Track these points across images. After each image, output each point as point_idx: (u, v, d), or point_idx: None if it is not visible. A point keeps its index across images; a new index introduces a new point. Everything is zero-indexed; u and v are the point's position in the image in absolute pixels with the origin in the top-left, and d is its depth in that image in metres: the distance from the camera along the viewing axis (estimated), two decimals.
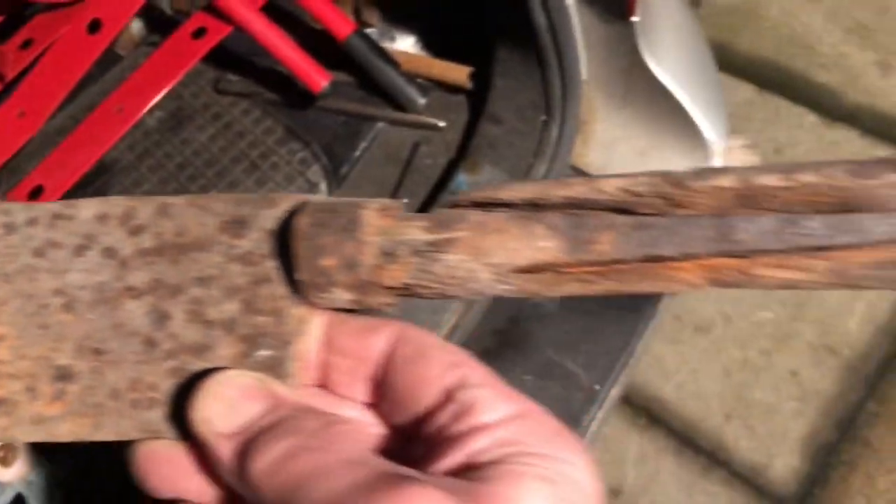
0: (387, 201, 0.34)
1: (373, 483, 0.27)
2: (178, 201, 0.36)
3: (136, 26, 1.52)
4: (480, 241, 0.31)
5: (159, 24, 1.51)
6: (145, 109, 1.22)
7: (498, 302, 1.15)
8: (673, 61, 1.14)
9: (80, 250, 0.36)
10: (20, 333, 0.35)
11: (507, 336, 1.13)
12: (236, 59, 1.41)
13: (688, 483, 1.65)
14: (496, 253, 0.31)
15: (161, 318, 0.35)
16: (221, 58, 1.40)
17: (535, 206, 0.31)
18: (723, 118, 1.20)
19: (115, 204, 0.36)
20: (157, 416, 0.34)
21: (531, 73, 1.16)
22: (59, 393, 0.35)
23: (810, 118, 1.97)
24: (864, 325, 1.71)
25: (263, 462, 0.29)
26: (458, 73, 1.28)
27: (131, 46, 1.51)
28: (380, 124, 1.32)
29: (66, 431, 0.35)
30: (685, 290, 0.30)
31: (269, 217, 0.35)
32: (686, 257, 0.30)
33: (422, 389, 0.32)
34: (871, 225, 0.28)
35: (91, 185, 1.33)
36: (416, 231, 0.32)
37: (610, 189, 0.30)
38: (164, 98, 1.33)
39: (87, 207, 0.36)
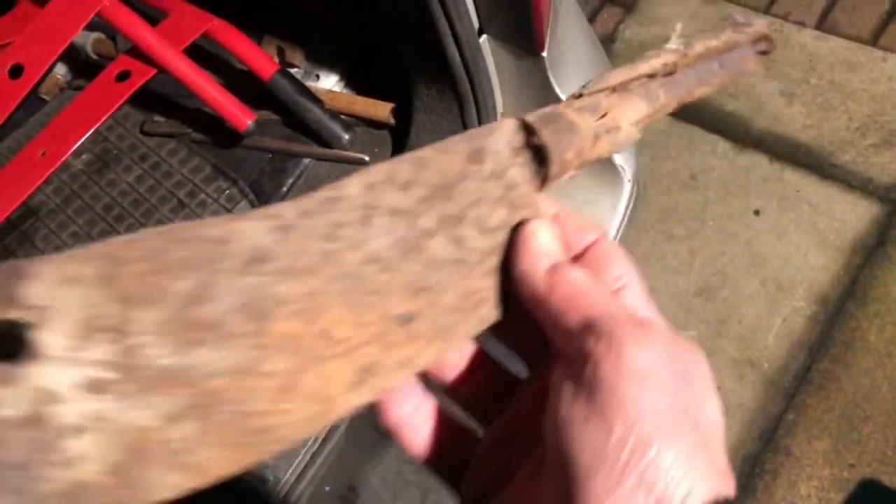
0: (569, 101, 0.45)
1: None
2: (425, 153, 0.41)
3: (61, 70, 1.53)
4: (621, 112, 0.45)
5: (83, 69, 1.52)
6: (69, 152, 1.24)
7: None
8: None
9: (366, 220, 0.39)
10: (352, 309, 0.38)
11: None
12: (162, 100, 1.43)
13: None
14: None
15: (458, 241, 0.41)
16: (147, 100, 1.42)
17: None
18: (632, 146, 1.26)
19: (374, 173, 0.40)
20: (488, 308, 0.41)
21: (449, 107, 1.21)
22: (410, 334, 0.39)
23: (722, 145, 2.08)
24: (782, 339, 1.80)
25: (566, 287, 0.37)
26: (381, 110, 1.33)
27: (56, 91, 1.52)
28: (306, 161, 1.35)
29: (429, 357, 0.40)
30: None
31: (498, 140, 0.42)
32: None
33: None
34: None
35: (17, 228, 1.33)
36: (593, 121, 0.44)
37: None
38: (91, 141, 1.35)
39: (353, 184, 0.40)
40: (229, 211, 1.31)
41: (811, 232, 1.90)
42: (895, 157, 1.95)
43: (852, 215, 1.90)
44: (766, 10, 2.29)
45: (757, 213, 1.95)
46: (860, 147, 1.98)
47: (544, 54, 1.14)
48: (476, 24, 1.12)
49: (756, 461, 1.67)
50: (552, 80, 1.16)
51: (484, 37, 1.14)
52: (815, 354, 1.76)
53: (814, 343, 1.77)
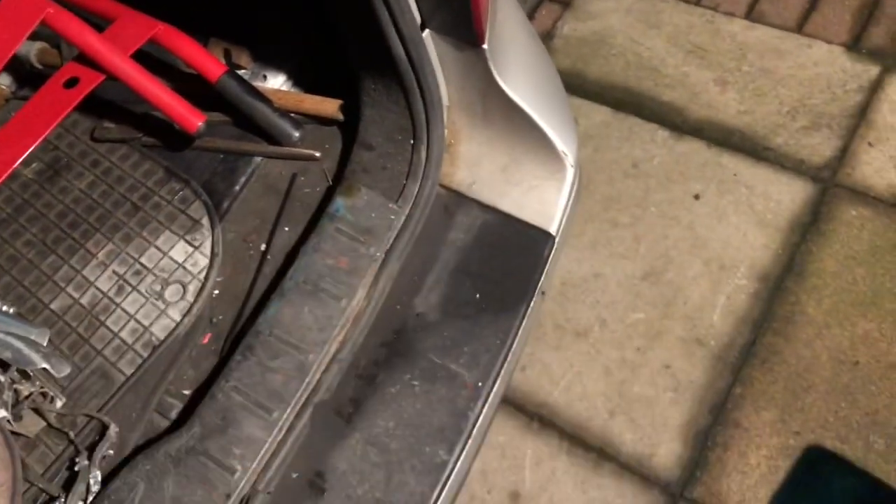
0: None
1: None
2: None
3: (5, 81, 1.53)
4: None
5: (28, 79, 1.52)
6: (19, 161, 1.24)
7: (383, 316, 1.22)
8: (524, 82, 1.25)
9: None
10: None
11: (393, 347, 1.19)
12: (111, 106, 1.44)
13: (581, 479, 1.75)
14: None
15: None
16: (96, 106, 1.42)
17: None
18: (572, 132, 1.31)
19: None
20: None
21: (396, 100, 1.24)
22: None
23: (661, 133, 2.15)
24: (726, 317, 1.87)
25: None
26: (330, 106, 1.36)
27: (1, 101, 1.51)
28: (257, 159, 1.37)
29: None
30: None
31: None
32: None
33: None
34: None
35: None
36: None
37: None
38: (40, 150, 1.35)
39: None
40: (184, 212, 1.32)
41: (749, 213, 1.98)
42: (824, 139, 2.04)
43: (787, 195, 1.98)
44: (698, 2, 2.37)
45: (697, 197, 2.03)
46: (791, 130, 2.07)
47: (485, 46, 1.18)
48: (419, 19, 1.16)
49: (707, 435, 1.74)
50: (493, 71, 1.20)
51: (427, 31, 1.18)
52: (758, 329, 1.83)
53: (757, 319, 1.84)
